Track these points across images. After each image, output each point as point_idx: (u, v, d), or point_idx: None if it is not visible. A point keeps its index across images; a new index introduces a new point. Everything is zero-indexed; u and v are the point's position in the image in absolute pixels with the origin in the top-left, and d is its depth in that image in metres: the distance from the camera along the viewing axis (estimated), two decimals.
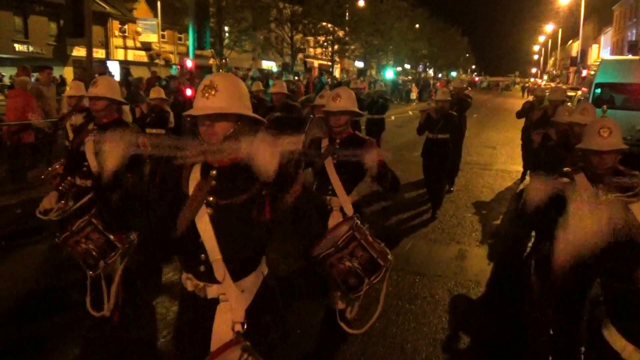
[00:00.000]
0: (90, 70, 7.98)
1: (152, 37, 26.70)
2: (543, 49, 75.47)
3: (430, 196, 6.38)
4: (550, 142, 4.16)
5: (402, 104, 26.63)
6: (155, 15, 26.26)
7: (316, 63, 38.03)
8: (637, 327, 1.45)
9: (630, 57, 11.88)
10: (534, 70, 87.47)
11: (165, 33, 27.64)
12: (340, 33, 30.32)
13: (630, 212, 1.42)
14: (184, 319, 1.76)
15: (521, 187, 7.72)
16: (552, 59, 69.66)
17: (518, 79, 75.47)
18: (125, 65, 19.51)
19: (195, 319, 1.70)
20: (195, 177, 1.68)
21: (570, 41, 52.90)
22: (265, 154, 1.56)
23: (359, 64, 40.83)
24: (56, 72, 18.63)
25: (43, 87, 7.03)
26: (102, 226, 2.88)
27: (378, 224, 5.86)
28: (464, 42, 77.05)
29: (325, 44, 30.35)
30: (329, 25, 28.91)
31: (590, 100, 10.19)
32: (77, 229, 2.87)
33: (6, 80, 17.50)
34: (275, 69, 31.40)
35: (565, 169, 2.57)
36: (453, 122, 6.28)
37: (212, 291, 1.66)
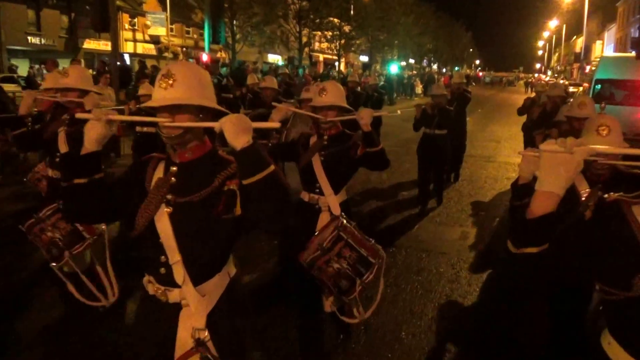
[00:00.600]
0: (115, 63, 8.43)
1: (160, 31, 27.09)
2: (547, 45, 75.43)
3: (420, 192, 6.28)
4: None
5: (408, 98, 26.99)
6: (164, 9, 26.63)
7: (321, 57, 38.36)
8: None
9: (630, 54, 12.17)
10: (538, 65, 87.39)
11: (173, 26, 28.04)
12: (347, 28, 30.66)
13: (632, 214, 1.29)
14: (148, 326, 1.64)
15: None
16: (556, 54, 69.61)
17: (522, 75, 75.56)
18: (140, 58, 19.92)
19: (159, 325, 1.59)
20: (158, 174, 1.60)
21: (575, 37, 52.95)
22: (236, 125, 1.37)
23: (364, 59, 41.11)
24: (67, 64, 19.18)
25: None
26: None
27: (387, 208, 6.32)
28: (468, 37, 76.99)
29: (333, 39, 30.70)
30: (336, 20, 29.28)
31: (590, 96, 10.60)
32: (44, 215, 2.75)
33: (20, 72, 17.91)
34: (280, 62, 31.73)
35: None
36: (450, 118, 6.08)
37: (173, 296, 1.56)
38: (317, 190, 2.79)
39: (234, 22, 22.27)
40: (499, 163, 9.76)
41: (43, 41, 22.19)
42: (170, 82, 1.48)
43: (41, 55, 20.75)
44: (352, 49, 33.80)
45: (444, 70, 57.84)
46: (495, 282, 4.29)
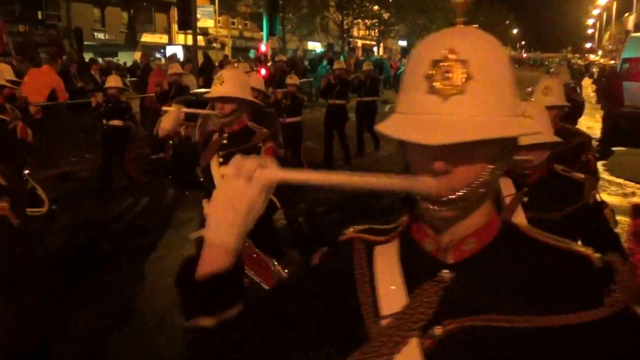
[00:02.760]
0: (196, 55, 10.04)
1: (209, 23, 28.81)
2: (598, 23, 72.08)
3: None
4: None
5: None
6: (212, 2, 28.35)
7: (359, 43, 39.11)
8: None
9: None
10: (588, 45, 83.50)
11: (220, 18, 29.73)
12: (386, 15, 31.33)
13: (365, 258, 0.84)
14: None
15: None
16: (608, 33, 66.48)
17: (569, 55, 72.66)
18: (204, 51, 21.86)
19: None
20: None
21: (627, 14, 50.58)
22: None
23: (402, 43, 41.50)
24: (126, 57, 21.37)
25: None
26: None
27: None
28: (511, 17, 74.78)
29: (372, 26, 31.53)
30: (376, 7, 30.05)
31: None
32: None
33: None
34: (320, 49, 32.82)
35: None
36: (348, 88, 7.75)
37: None
38: None
39: (285, 14, 23.84)
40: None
41: (107, 36, 24.50)
42: None
43: (104, 49, 23.03)
44: (391, 34, 34.42)
45: None
46: None
